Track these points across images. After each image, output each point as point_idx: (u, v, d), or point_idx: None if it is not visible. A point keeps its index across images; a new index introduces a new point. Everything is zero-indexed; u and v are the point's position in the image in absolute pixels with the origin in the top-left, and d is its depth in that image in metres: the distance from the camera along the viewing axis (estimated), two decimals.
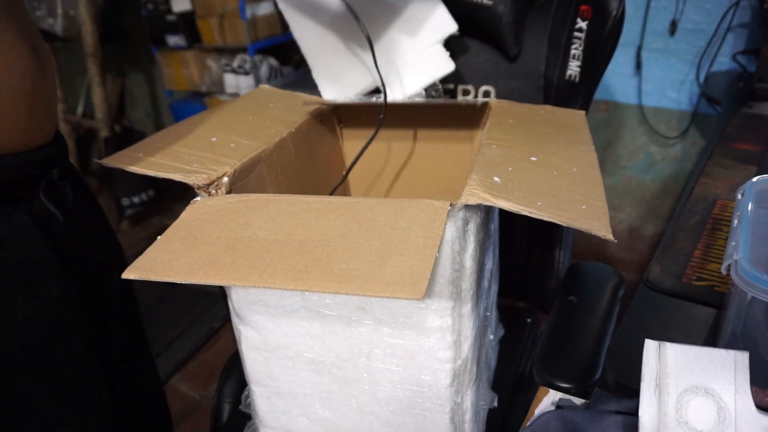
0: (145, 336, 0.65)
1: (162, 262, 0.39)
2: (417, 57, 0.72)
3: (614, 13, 0.70)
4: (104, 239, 0.58)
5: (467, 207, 0.43)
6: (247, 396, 0.62)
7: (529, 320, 0.87)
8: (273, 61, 2.16)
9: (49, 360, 0.49)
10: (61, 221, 0.50)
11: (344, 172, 0.71)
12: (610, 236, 0.39)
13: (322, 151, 0.70)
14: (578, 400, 0.46)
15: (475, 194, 0.42)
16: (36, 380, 0.49)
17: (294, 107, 0.67)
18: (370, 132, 0.67)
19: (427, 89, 0.73)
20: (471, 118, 0.72)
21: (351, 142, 0.76)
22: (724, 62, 1.45)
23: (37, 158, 0.47)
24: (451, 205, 0.41)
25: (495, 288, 0.68)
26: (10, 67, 0.43)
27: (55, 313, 0.49)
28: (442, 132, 0.72)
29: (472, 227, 0.46)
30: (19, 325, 0.47)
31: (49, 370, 0.50)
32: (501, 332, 0.75)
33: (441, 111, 0.74)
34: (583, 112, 0.66)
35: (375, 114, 0.71)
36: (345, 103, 0.72)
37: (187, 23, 2.15)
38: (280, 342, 0.51)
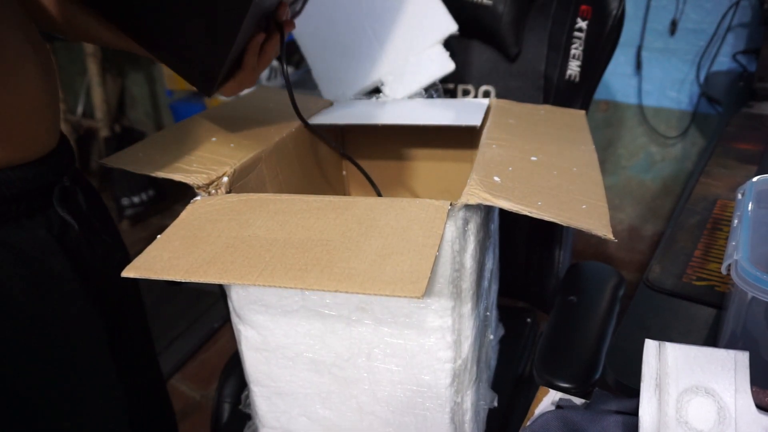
0: (151, 336, 0.65)
1: (162, 260, 0.39)
2: (417, 57, 0.72)
3: (614, 12, 0.70)
4: (115, 243, 0.58)
5: (467, 207, 0.43)
6: (247, 396, 0.62)
7: (529, 320, 0.87)
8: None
9: (72, 373, 0.49)
10: (76, 230, 0.49)
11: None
12: (610, 236, 0.39)
13: (322, 150, 0.70)
14: (578, 400, 0.46)
15: (475, 194, 0.42)
16: (60, 394, 0.49)
17: None
18: (369, 131, 0.67)
19: (427, 89, 0.73)
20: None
21: (351, 141, 0.76)
22: (724, 62, 1.45)
23: (49, 166, 0.46)
24: (451, 204, 0.41)
25: (495, 288, 0.68)
26: (19, 85, 0.42)
27: (78, 326, 0.49)
28: (442, 132, 0.72)
29: (472, 227, 0.46)
30: (42, 341, 0.46)
31: (73, 383, 0.50)
32: (501, 332, 0.75)
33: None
34: (583, 112, 0.66)
35: None
36: (346, 125, 0.72)
37: None
38: (280, 342, 0.51)
